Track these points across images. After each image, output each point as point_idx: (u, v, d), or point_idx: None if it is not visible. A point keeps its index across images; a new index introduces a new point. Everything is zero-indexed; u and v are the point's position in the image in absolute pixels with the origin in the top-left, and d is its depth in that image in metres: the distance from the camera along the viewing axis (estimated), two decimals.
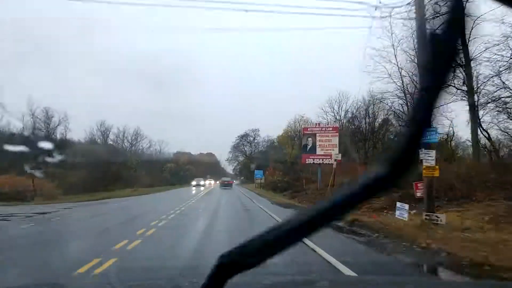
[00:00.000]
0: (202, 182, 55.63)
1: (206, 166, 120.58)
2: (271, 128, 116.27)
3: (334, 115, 45.95)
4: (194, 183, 53.53)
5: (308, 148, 27.17)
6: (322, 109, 41.21)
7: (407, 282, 2.53)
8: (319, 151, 26.75)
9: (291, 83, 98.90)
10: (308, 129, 27.33)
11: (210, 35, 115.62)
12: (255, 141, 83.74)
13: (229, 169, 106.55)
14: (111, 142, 65.38)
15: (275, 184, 40.02)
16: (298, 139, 57.87)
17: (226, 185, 46.99)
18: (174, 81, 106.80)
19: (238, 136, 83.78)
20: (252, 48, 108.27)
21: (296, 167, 39.97)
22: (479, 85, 16.43)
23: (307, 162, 27.27)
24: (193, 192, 34.93)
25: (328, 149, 26.61)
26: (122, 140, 76.39)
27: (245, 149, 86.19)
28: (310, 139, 27.15)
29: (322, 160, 26.62)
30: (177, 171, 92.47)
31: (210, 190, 42.60)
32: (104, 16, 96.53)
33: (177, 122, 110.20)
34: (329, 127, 27.06)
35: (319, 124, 27.86)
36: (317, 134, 26.90)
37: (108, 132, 64.00)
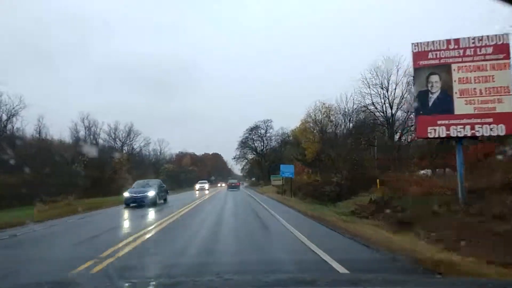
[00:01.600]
0: (150, 194, 19.51)
1: (211, 167, 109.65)
2: (285, 122, 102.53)
3: (381, 87, 31.62)
4: (127, 195, 19.58)
5: (431, 102, 10.95)
6: (365, 81, 29.10)
7: (407, 281, 2.64)
8: (460, 105, 10.58)
9: (304, 71, 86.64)
10: (430, 54, 11.00)
11: (212, 31, 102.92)
12: (267, 134, 67.56)
13: (237, 169, 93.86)
14: (101, 141, 55.56)
15: (311, 189, 24.03)
16: (318, 131, 51.12)
17: (233, 187, 48.88)
18: (176, 80, 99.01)
19: (247, 129, 67.74)
20: (258, 36, 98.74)
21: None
22: None
23: (430, 136, 10.98)
24: (168, 210, 16.37)
25: (488, 100, 10.43)
26: (114, 138, 61.80)
27: (255, 144, 69.80)
28: (434, 78, 10.94)
29: (471, 130, 10.45)
30: (177, 173, 79.54)
31: (201, 203, 21.95)
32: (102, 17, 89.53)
33: (180, 121, 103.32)
34: (486, 45, 10.65)
35: (456, 41, 11.28)
36: (454, 67, 10.71)
37: (96, 129, 53.56)
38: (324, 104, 59.49)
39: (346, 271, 5.05)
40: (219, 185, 75.29)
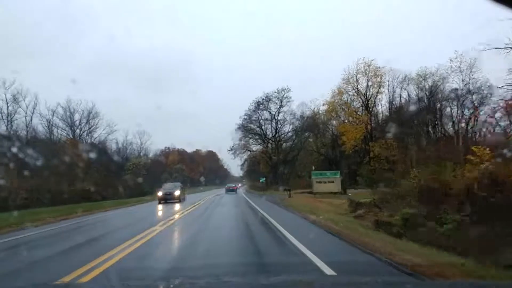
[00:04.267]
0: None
1: (204, 166, 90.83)
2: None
3: None
4: None
5: None
6: None
7: (406, 283, 2.70)
8: None
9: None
10: None
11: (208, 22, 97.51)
12: (281, 112, 45.06)
13: (235, 166, 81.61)
14: (55, 129, 44.79)
15: None
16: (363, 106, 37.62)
17: (231, 191, 48.90)
18: (170, 75, 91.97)
19: (252, 104, 44.89)
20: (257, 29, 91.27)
21: None
22: None
23: None
24: None
25: None
26: (71, 125, 48.79)
27: (265, 129, 46.55)
28: None
29: None
30: (157, 173, 59.85)
31: None
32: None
33: (174, 119, 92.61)
34: None
35: None
36: None
37: (31, 104, 40.26)
38: (369, 65, 36.86)
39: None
40: (172, 193, 28.06)
